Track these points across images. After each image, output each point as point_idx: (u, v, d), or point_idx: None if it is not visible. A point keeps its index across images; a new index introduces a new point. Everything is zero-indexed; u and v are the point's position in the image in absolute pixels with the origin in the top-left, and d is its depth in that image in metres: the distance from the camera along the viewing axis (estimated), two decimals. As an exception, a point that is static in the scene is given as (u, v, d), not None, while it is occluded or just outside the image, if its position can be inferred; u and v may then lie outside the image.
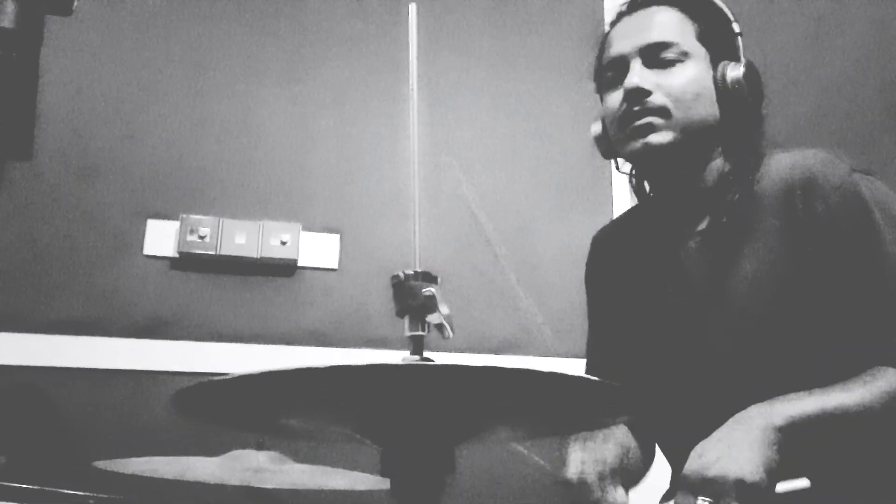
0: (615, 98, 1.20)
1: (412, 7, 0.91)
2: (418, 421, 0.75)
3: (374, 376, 0.67)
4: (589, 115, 1.31)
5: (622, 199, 2.32)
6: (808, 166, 1.12)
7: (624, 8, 1.28)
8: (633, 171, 1.30)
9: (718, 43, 1.20)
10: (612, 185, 2.37)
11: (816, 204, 1.09)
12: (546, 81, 2.47)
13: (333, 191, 2.25)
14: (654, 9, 1.23)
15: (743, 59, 1.19)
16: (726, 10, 1.23)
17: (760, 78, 1.20)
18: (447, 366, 0.66)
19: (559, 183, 2.39)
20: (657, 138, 1.15)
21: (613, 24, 1.28)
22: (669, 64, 1.17)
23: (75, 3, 0.75)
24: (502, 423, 0.83)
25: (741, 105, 1.17)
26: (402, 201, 1.02)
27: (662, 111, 1.15)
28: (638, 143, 1.17)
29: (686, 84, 1.16)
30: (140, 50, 2.23)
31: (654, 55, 1.18)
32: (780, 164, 1.16)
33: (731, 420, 1.01)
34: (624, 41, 1.22)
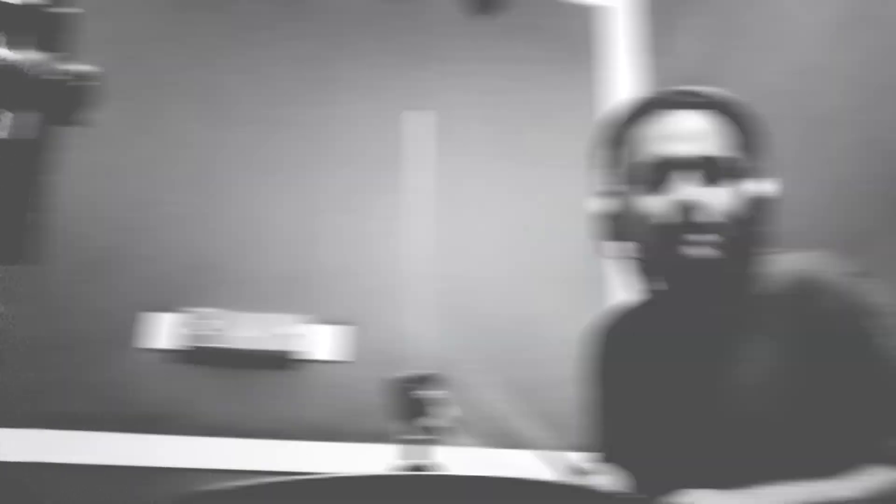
0: (660, 203, 1.14)
1: (406, 115, 0.94)
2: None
3: (373, 487, 0.66)
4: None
5: (625, 290, 2.32)
6: (806, 268, 1.14)
7: (663, 99, 1.20)
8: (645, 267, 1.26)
9: (754, 155, 1.19)
10: (614, 276, 2.37)
11: (812, 306, 1.10)
12: (547, 175, 2.52)
13: (337, 284, 2.26)
14: (706, 113, 1.18)
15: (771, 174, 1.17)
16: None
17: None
18: (445, 476, 0.65)
19: (562, 274, 2.41)
20: (709, 253, 1.11)
21: (644, 111, 1.20)
22: (729, 180, 1.14)
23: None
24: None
25: (764, 216, 1.16)
26: (407, 294, 1.03)
27: (720, 228, 1.12)
28: (686, 256, 1.11)
29: (743, 203, 1.14)
30: (146, 147, 2.29)
31: (713, 168, 1.13)
32: (783, 266, 1.17)
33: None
34: (678, 145, 1.15)
